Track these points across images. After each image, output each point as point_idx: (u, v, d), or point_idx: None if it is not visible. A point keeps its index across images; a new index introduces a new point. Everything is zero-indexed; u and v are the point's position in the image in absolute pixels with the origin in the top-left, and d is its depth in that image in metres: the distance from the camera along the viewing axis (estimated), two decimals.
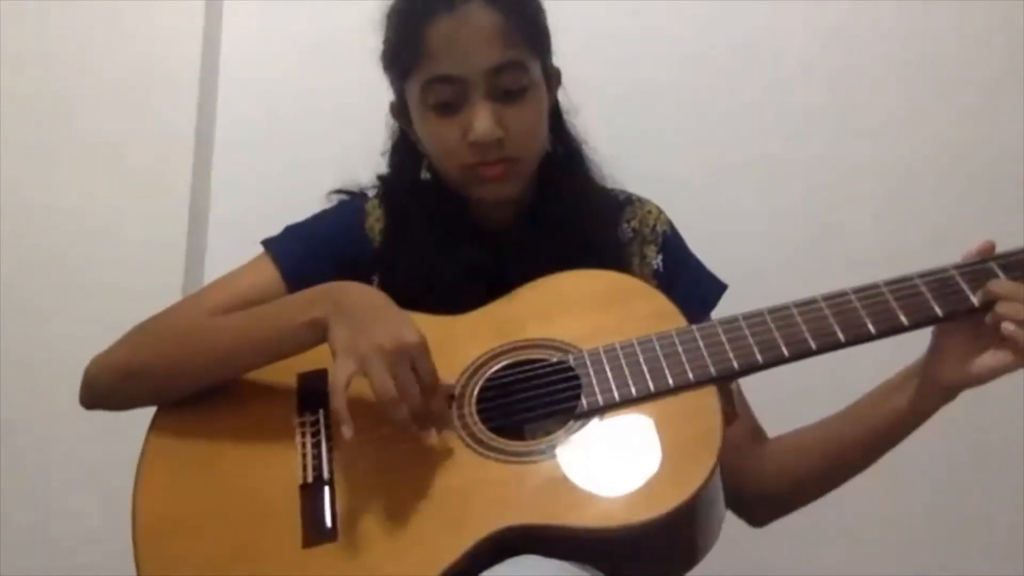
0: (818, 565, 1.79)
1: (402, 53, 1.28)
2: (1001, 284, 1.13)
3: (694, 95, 1.92)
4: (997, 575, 1.78)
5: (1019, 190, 1.82)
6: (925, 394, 1.19)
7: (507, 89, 1.27)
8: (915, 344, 1.19)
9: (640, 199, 1.42)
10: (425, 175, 1.36)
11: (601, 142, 1.39)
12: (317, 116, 1.94)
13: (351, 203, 1.40)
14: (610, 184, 1.41)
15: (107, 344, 1.29)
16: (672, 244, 1.39)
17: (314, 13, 1.95)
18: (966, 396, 1.18)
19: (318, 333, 1.16)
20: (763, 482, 1.31)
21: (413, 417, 1.12)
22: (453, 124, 1.27)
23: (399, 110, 1.36)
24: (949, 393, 1.18)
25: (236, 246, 1.40)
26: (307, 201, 1.41)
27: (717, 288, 1.38)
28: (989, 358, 1.13)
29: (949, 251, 1.18)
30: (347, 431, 1.09)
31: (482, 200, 1.32)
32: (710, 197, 1.87)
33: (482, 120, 1.25)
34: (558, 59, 1.36)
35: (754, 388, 1.30)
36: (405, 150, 1.39)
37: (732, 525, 1.32)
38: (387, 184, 1.40)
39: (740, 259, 1.74)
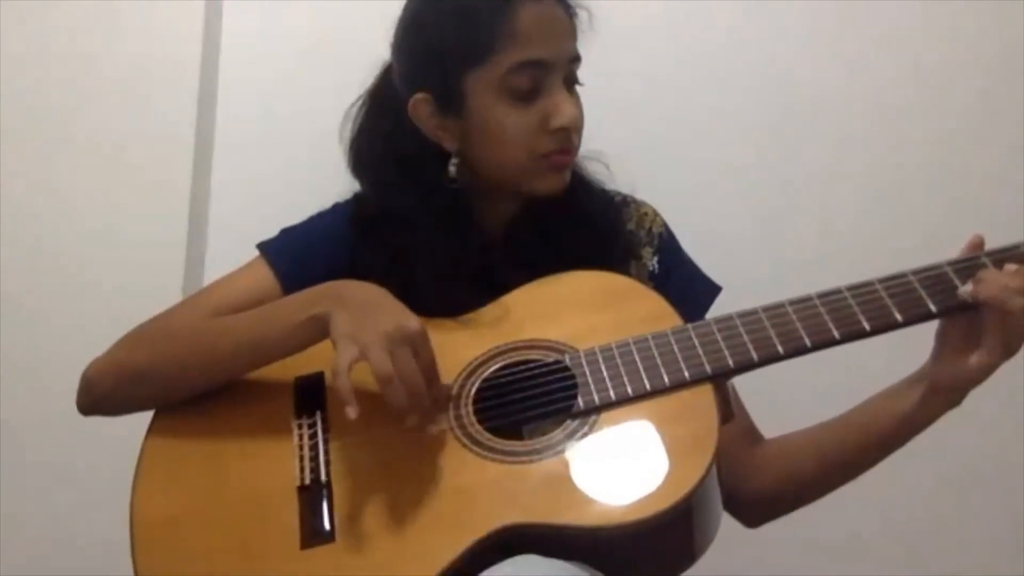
0: (817, 564, 1.79)
1: (477, 38, 1.25)
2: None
3: (687, 96, 1.91)
4: (997, 575, 1.78)
5: (1015, 192, 1.82)
6: (927, 398, 1.18)
7: (573, 81, 1.30)
8: (911, 342, 1.18)
9: (636, 201, 1.42)
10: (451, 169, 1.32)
11: (595, 144, 1.39)
12: (317, 116, 1.91)
13: (347, 206, 1.39)
14: (607, 186, 1.41)
15: (107, 345, 1.29)
16: (668, 246, 1.39)
17: (314, 13, 1.95)
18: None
19: (320, 329, 1.17)
20: (758, 484, 1.31)
21: (413, 403, 1.12)
22: (531, 112, 1.27)
23: (444, 103, 1.29)
24: (951, 396, 1.16)
25: (236, 246, 1.41)
26: (307, 201, 1.41)
27: (711, 290, 1.38)
28: (976, 354, 1.12)
29: (945, 253, 1.17)
30: (352, 412, 1.09)
31: (540, 193, 1.31)
32: (706, 199, 1.88)
33: (570, 106, 1.27)
34: None
35: (753, 388, 1.30)
36: (423, 152, 1.32)
37: (731, 523, 1.32)
38: (385, 197, 1.35)
39: (737, 262, 1.75)
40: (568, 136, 1.28)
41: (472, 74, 1.27)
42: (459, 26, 1.26)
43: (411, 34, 1.32)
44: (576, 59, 1.30)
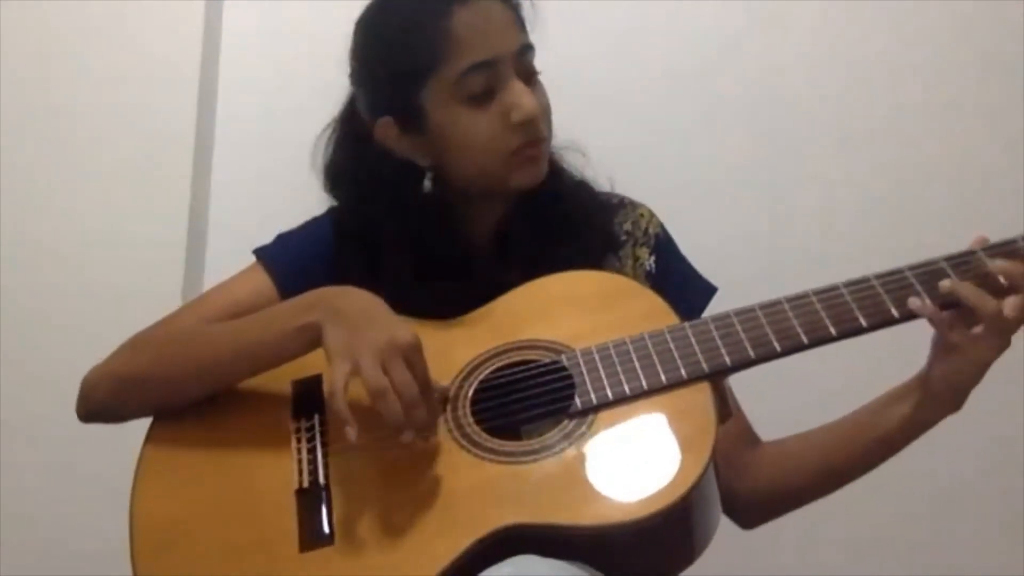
0: (817, 563, 1.79)
1: (421, 54, 1.26)
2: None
3: (687, 97, 1.91)
4: (997, 575, 1.78)
5: (1015, 192, 1.82)
6: (925, 402, 1.18)
7: (529, 71, 1.29)
8: (910, 338, 1.18)
9: (632, 202, 1.41)
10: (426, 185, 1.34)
11: (588, 143, 1.39)
12: (317, 116, 1.92)
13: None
14: (604, 188, 1.41)
15: (107, 345, 1.29)
16: (664, 246, 1.39)
17: (314, 13, 1.95)
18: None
19: (313, 339, 1.17)
20: (755, 486, 1.31)
21: (408, 416, 1.12)
22: (491, 112, 1.26)
23: (406, 123, 1.30)
24: (949, 399, 1.17)
25: (236, 246, 1.41)
26: (307, 201, 1.41)
27: (707, 290, 1.37)
28: (968, 353, 1.12)
29: (945, 252, 1.17)
30: (351, 432, 1.09)
31: (519, 188, 1.30)
32: (705, 198, 1.88)
33: (528, 97, 1.25)
34: (550, 58, 1.35)
35: (751, 388, 1.30)
36: (397, 172, 1.33)
37: (730, 523, 1.32)
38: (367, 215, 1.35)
39: (736, 261, 1.75)
40: (533, 127, 1.27)
41: (425, 90, 1.27)
42: (401, 46, 1.28)
43: (361, 63, 1.33)
44: (525, 49, 1.28)
